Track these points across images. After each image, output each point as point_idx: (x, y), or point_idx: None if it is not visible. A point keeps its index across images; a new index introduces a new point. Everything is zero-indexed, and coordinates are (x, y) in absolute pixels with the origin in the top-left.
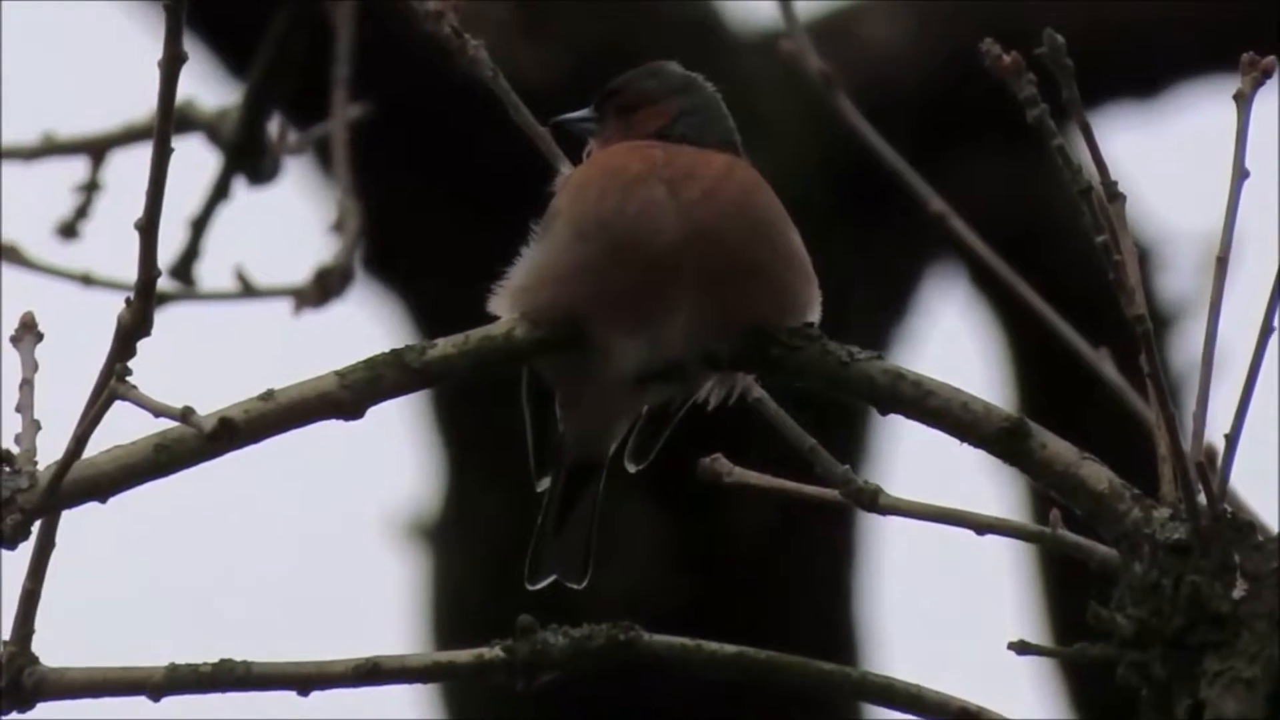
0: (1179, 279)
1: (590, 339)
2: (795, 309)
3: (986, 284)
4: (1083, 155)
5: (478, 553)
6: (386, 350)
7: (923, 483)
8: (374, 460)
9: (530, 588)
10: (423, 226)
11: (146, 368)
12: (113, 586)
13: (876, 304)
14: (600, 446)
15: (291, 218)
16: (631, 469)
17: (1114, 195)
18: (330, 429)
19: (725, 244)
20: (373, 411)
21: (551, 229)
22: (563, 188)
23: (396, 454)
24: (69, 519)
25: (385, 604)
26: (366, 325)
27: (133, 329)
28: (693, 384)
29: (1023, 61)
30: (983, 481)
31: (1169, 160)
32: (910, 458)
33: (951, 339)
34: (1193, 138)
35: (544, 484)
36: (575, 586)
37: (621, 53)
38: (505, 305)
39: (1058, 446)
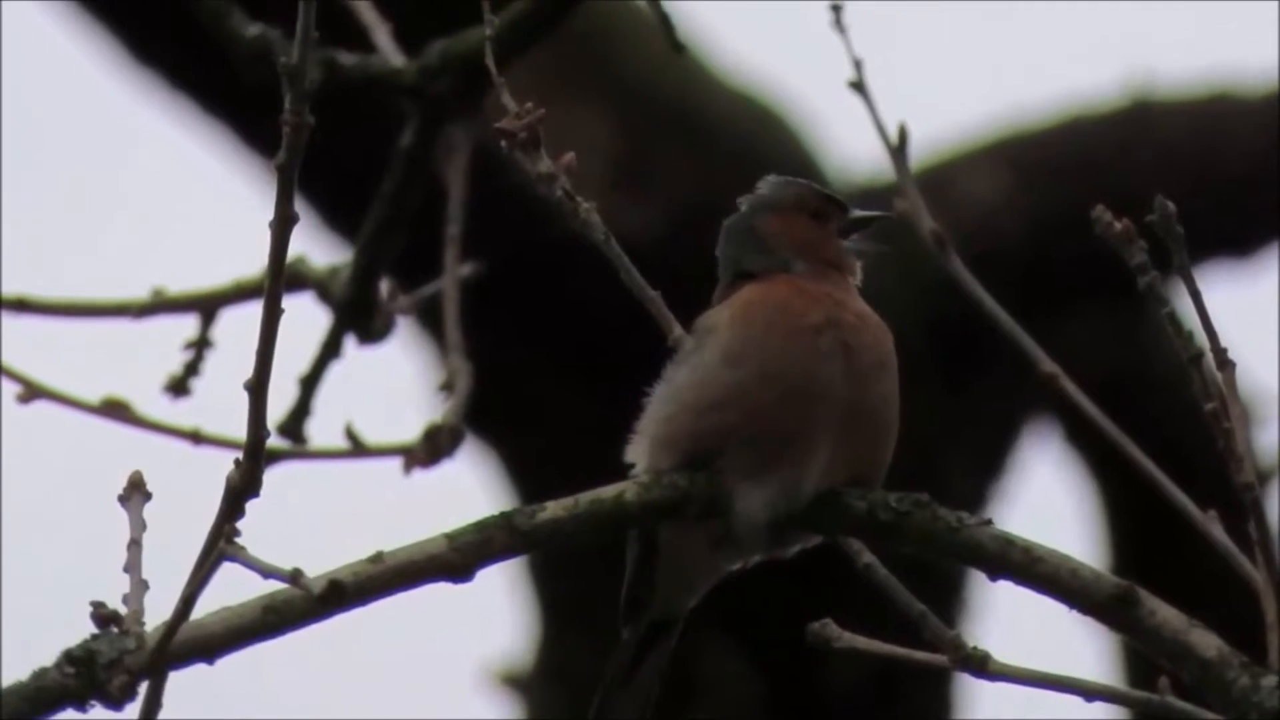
0: (1275, 434)
1: (720, 483)
2: (881, 476)
3: (1084, 442)
4: (1191, 319)
5: (569, 705)
6: (496, 513)
7: (1015, 626)
8: (470, 608)
9: None
10: (527, 385)
11: (255, 525)
12: None
13: (972, 460)
14: (681, 604)
15: (400, 375)
16: None
17: (1224, 363)
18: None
19: (875, 414)
20: None
21: (702, 348)
22: (724, 303)
23: (492, 603)
24: (176, 678)
25: None
26: (473, 481)
27: (242, 489)
28: (785, 545)
29: (1134, 229)
30: (1077, 629)
31: (1264, 315)
32: (1004, 602)
33: (1046, 496)
34: None
35: (629, 630)
36: None
37: (720, 207)
38: (643, 445)
39: (1166, 614)
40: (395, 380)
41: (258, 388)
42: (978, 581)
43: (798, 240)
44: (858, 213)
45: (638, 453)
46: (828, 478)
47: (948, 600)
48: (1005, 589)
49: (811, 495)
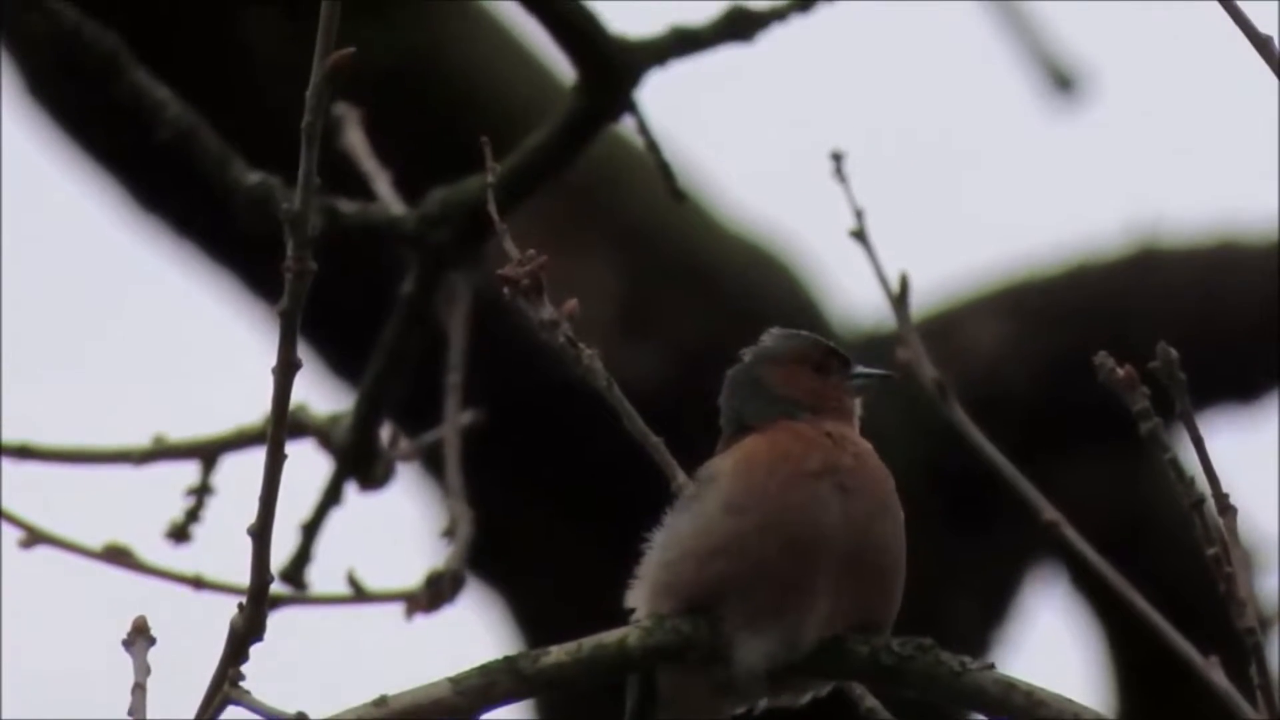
0: (1277, 581)
1: (721, 631)
2: (890, 621)
3: (1088, 586)
4: (1193, 465)
5: None
6: (500, 657)
7: None
8: None
9: None
10: (530, 530)
11: (259, 671)
12: None
13: (976, 605)
14: None
15: (402, 521)
16: None
17: (1226, 508)
18: None
19: (876, 558)
20: None
21: (703, 496)
22: (726, 453)
23: None
24: None
25: None
26: (477, 624)
27: (245, 634)
28: (789, 691)
29: (1137, 375)
30: None
31: (1267, 461)
32: None
33: (1051, 639)
34: None
35: None
36: None
37: (723, 353)
38: (643, 590)
39: None
40: (398, 525)
41: (261, 533)
42: None
43: (800, 391)
44: (860, 369)
45: (638, 599)
46: (831, 625)
47: None
48: None
49: (814, 644)
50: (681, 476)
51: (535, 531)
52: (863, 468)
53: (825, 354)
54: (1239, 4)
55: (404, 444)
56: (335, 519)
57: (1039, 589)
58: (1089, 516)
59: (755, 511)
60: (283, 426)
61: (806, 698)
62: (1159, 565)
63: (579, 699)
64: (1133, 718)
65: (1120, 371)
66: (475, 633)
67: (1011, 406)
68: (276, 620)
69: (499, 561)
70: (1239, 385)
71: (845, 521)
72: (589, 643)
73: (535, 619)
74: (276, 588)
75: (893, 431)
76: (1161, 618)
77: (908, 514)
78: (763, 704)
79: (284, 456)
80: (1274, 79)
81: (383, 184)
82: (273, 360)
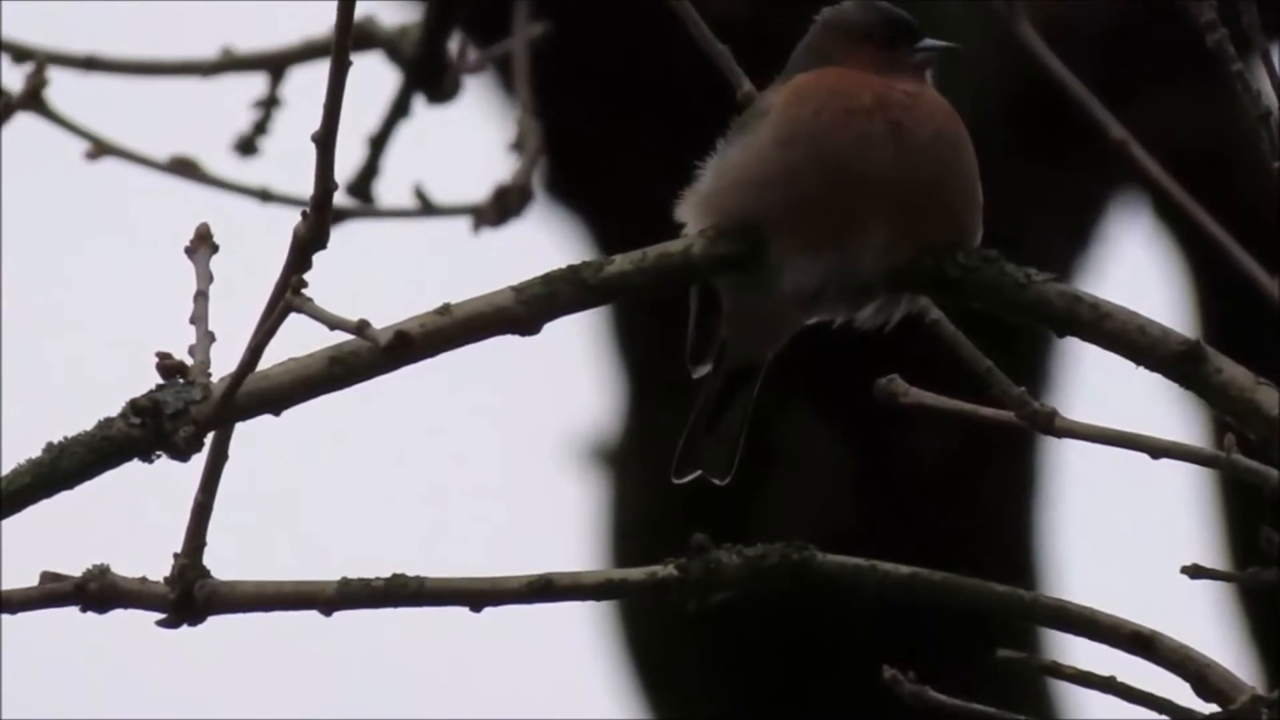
0: None
1: (769, 254)
2: (967, 246)
3: (1169, 215)
4: (1262, 82)
5: (655, 476)
6: (563, 266)
7: (1100, 412)
8: (554, 382)
9: (676, 481)
10: (603, 147)
11: (323, 285)
12: (285, 501)
13: (1058, 234)
14: (760, 354)
15: (471, 136)
16: (719, 482)
17: None
18: (510, 349)
19: (937, 194)
20: (557, 333)
21: (754, 128)
22: (778, 88)
23: (577, 376)
24: (243, 431)
25: (560, 526)
26: (547, 247)
27: (309, 241)
28: (864, 305)
29: None
30: (1159, 412)
31: None
32: (1087, 388)
33: (1136, 271)
34: None
35: (700, 371)
36: (718, 482)
37: None
38: (693, 211)
39: (1234, 371)
40: (466, 140)
41: (325, 140)
42: (1057, 355)
43: (860, 62)
44: (926, 41)
45: (688, 215)
46: (895, 254)
47: (1025, 371)
48: (1085, 360)
49: (880, 273)
50: (748, 85)
51: (606, 149)
52: (917, 103)
53: (892, 28)
54: None
55: (472, 56)
56: (403, 133)
57: (1123, 220)
58: (1179, 147)
59: (804, 145)
60: (347, 34)
61: (894, 316)
62: (1250, 199)
63: None
64: (1213, 345)
65: None
66: (546, 255)
67: (1095, 31)
68: (343, 234)
69: (570, 181)
70: None
71: (898, 157)
72: (653, 251)
73: (612, 239)
74: (344, 201)
75: (975, 58)
76: (1231, 238)
77: (979, 143)
78: (839, 319)
79: (348, 63)
80: None
81: None
82: None
